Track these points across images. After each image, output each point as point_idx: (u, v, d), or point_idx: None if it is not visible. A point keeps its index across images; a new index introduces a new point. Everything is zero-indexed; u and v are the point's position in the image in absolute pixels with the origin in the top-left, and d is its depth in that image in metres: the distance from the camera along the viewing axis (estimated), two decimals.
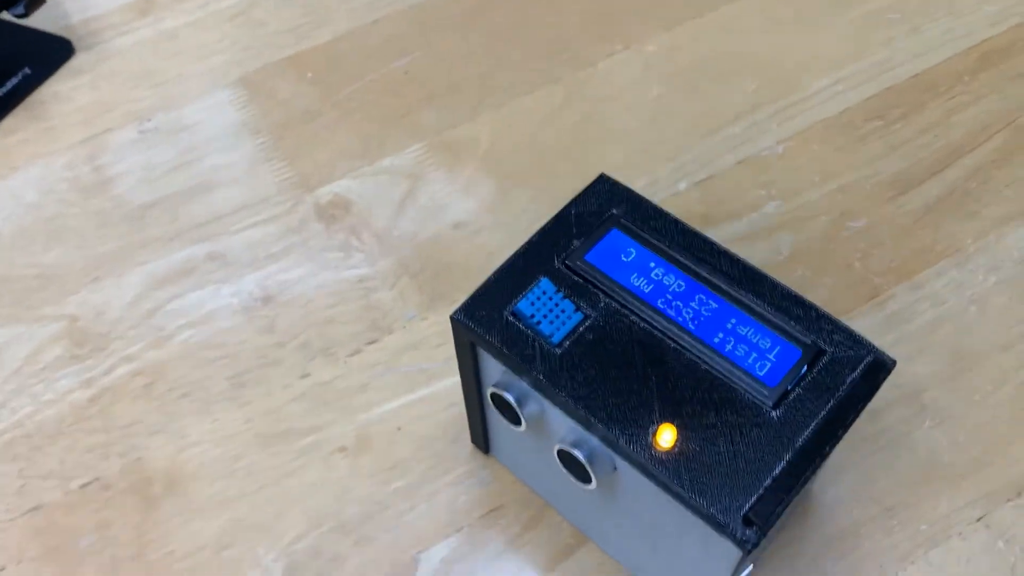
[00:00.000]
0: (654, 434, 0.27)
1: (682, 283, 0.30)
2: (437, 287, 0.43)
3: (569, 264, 0.31)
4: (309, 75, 0.51)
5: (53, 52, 0.52)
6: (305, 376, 0.41)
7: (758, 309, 0.29)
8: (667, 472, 0.27)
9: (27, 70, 0.51)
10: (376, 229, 0.45)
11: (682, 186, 0.46)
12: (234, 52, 0.52)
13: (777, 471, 0.27)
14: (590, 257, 0.31)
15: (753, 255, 0.44)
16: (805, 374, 0.28)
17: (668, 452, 0.27)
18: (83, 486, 0.38)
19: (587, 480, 0.30)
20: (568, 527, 0.37)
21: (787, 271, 0.43)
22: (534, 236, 0.32)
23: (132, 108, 0.50)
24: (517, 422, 0.31)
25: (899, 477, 0.37)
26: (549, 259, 0.31)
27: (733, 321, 0.29)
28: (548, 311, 0.30)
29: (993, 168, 0.46)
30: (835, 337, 0.29)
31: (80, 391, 0.41)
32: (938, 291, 0.42)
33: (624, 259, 0.31)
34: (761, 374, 0.28)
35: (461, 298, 0.43)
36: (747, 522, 0.26)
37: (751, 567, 0.34)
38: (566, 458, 0.30)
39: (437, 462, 0.39)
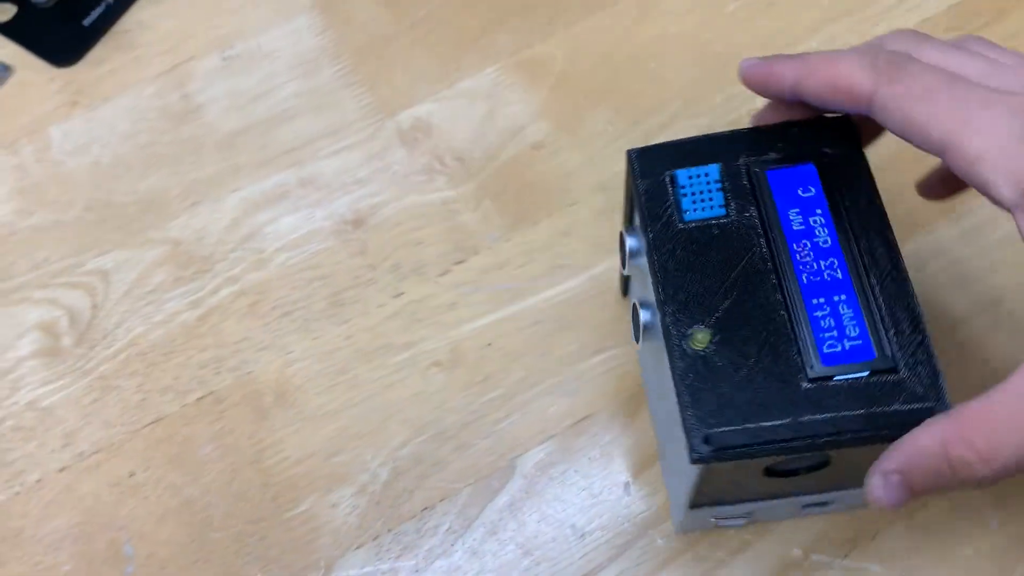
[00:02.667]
0: (694, 336, 0.28)
1: (829, 240, 0.30)
2: (519, 208, 0.45)
3: (750, 168, 0.31)
4: None
5: None
6: (399, 295, 0.43)
7: (871, 304, 0.29)
8: (681, 363, 0.28)
9: (109, 0, 0.53)
10: (458, 152, 0.47)
11: (759, 102, 0.46)
12: None
13: (766, 424, 0.27)
14: (772, 175, 0.31)
15: None
16: (861, 377, 0.28)
17: (696, 352, 0.28)
18: (199, 399, 0.41)
19: (637, 340, 0.32)
20: (654, 435, 0.39)
21: None
22: (746, 129, 0.32)
23: (213, 35, 0.51)
24: (624, 265, 0.33)
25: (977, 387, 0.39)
26: (737, 154, 0.31)
27: (842, 297, 0.29)
28: (699, 192, 0.31)
29: None
30: (919, 370, 0.27)
31: (188, 312, 0.43)
32: None
33: (800, 193, 0.31)
34: (823, 350, 0.28)
35: (542, 218, 0.45)
36: (707, 440, 0.27)
37: (741, 522, 0.35)
38: (635, 313, 0.32)
39: (526, 375, 0.41)
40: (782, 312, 0.29)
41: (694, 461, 0.27)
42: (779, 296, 0.29)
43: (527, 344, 0.41)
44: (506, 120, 0.47)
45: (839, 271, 0.29)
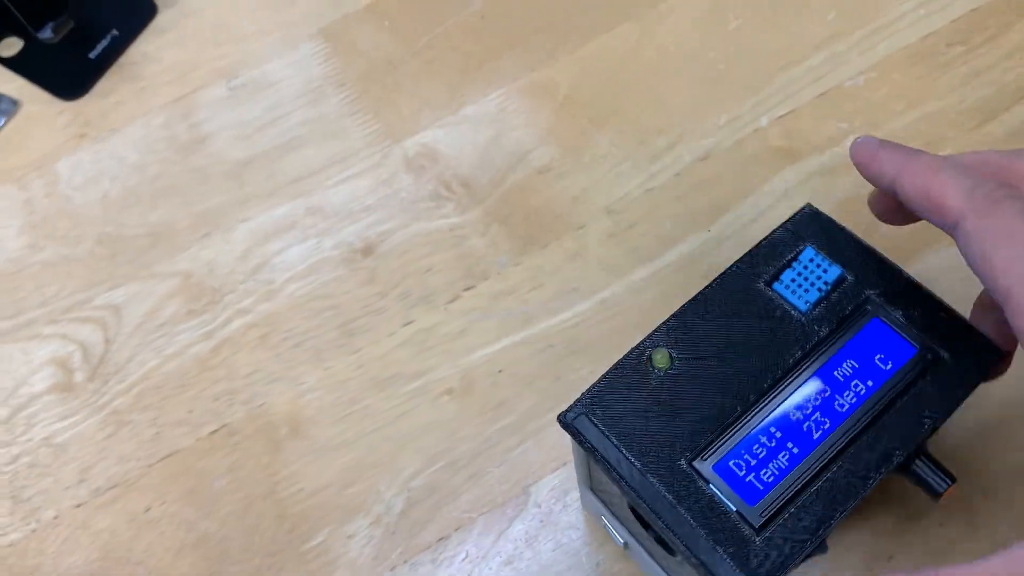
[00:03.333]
0: (657, 352, 0.29)
1: (845, 407, 0.28)
2: (527, 233, 0.45)
3: (866, 303, 0.30)
4: (386, 23, 0.52)
5: (137, 13, 0.54)
6: (408, 323, 0.43)
7: (806, 479, 0.27)
8: (629, 360, 0.29)
9: (115, 32, 0.53)
10: (464, 177, 0.47)
11: (764, 122, 0.47)
12: (311, 3, 0.53)
13: (624, 452, 0.28)
14: (875, 324, 0.29)
15: (836, 189, 0.44)
16: (727, 506, 0.27)
17: (646, 363, 0.29)
18: (212, 432, 0.41)
19: None
20: None
21: None
22: (908, 277, 0.30)
23: (218, 65, 0.52)
24: None
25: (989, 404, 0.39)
26: (874, 283, 0.30)
27: (795, 451, 0.28)
28: (805, 278, 0.30)
29: None
30: (772, 555, 0.26)
31: (201, 344, 0.43)
32: None
33: (876, 359, 0.29)
34: (727, 462, 0.27)
35: (550, 242, 0.45)
36: (577, 416, 0.28)
37: (620, 541, 0.35)
38: None
39: (539, 401, 0.41)
40: (739, 408, 0.28)
41: (557, 418, 0.29)
42: (753, 398, 0.28)
43: (538, 370, 0.42)
44: (512, 145, 0.47)
45: (819, 433, 0.28)
